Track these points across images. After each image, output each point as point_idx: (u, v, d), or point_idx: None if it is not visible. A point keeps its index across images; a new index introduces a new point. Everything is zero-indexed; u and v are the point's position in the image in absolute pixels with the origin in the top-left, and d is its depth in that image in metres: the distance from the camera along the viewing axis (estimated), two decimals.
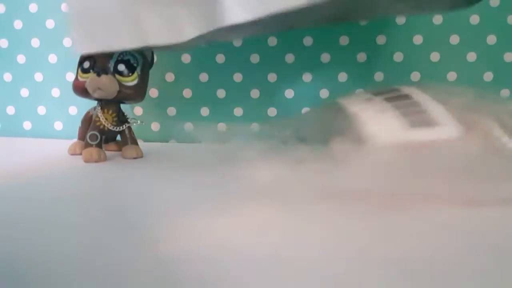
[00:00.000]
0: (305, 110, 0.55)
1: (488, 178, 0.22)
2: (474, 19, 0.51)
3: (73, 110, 0.57)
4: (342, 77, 0.54)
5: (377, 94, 0.29)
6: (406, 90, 0.28)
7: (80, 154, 0.42)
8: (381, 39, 0.53)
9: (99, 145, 0.41)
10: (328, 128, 0.26)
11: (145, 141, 0.56)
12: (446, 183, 0.22)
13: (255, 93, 0.56)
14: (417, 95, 0.27)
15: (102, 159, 0.40)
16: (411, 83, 0.30)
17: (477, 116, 0.25)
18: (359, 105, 0.28)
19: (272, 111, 0.56)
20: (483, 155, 0.23)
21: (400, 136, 0.24)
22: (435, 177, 0.22)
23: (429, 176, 0.22)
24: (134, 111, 0.57)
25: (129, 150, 0.42)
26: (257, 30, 0.29)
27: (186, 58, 0.56)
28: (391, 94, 0.28)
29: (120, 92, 0.40)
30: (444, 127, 0.24)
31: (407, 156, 0.23)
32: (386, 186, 0.23)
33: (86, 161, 0.39)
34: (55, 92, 0.58)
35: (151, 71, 0.44)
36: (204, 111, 0.56)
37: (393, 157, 0.23)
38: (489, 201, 0.23)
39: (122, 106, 0.43)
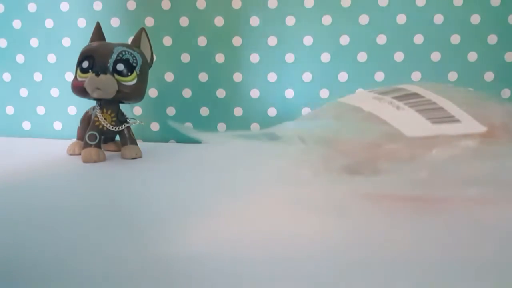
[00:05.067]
0: (306, 111, 0.55)
1: None
2: (475, 18, 0.51)
3: (72, 110, 0.57)
4: (342, 77, 0.54)
5: (383, 93, 0.28)
6: (411, 88, 0.28)
7: (79, 154, 0.41)
8: (381, 39, 0.53)
9: (98, 145, 0.41)
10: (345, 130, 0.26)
11: (144, 141, 0.56)
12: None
13: (255, 93, 0.56)
14: (424, 93, 0.27)
15: (101, 159, 0.40)
16: (412, 83, 0.29)
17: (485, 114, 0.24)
18: (371, 104, 0.27)
19: (272, 111, 0.56)
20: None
21: (429, 132, 0.23)
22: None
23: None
24: (134, 111, 0.57)
25: (128, 150, 0.42)
26: None
27: (185, 57, 0.55)
28: (397, 93, 0.27)
29: (119, 92, 0.39)
30: (467, 123, 0.24)
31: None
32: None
33: (85, 161, 0.39)
34: (54, 92, 0.57)
35: (150, 71, 0.44)
36: (204, 111, 0.56)
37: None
38: None
39: (122, 106, 0.43)
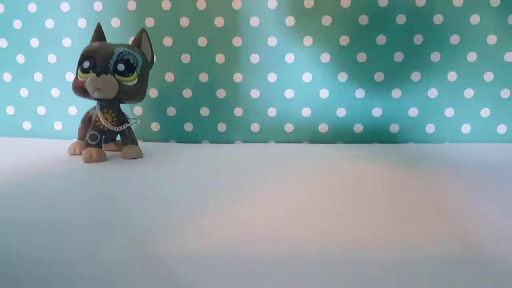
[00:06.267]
0: (306, 111, 0.55)
1: None
2: (475, 19, 0.51)
3: (72, 110, 0.57)
4: (342, 77, 0.54)
5: None
6: None
7: (80, 154, 0.41)
8: (381, 39, 0.53)
9: (98, 145, 0.41)
10: None
11: (145, 141, 0.56)
12: None
13: (255, 93, 0.56)
14: None
15: (101, 159, 0.40)
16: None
17: None
18: None
19: (272, 111, 0.56)
20: None
21: None
22: None
23: None
24: (134, 111, 0.57)
25: (128, 150, 0.42)
26: None
27: (186, 58, 0.55)
28: None
29: (119, 92, 0.40)
30: None
31: None
32: None
33: (86, 161, 0.39)
34: (55, 92, 0.57)
35: (151, 71, 0.44)
36: (204, 111, 0.56)
37: None
38: None
39: (122, 106, 0.43)
